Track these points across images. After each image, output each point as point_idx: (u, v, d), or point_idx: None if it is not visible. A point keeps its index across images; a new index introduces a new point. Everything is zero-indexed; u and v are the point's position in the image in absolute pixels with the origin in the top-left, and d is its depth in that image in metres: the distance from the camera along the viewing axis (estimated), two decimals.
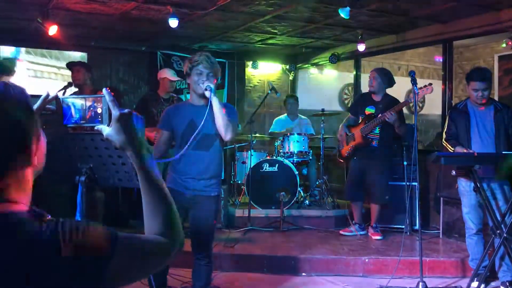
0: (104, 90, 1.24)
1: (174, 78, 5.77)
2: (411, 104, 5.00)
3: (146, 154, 1.22)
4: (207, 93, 3.14)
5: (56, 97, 1.31)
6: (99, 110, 1.27)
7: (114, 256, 1.01)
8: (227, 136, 3.19)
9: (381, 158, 5.44)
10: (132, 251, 1.08)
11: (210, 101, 3.14)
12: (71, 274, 0.96)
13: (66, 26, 5.88)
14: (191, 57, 3.29)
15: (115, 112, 1.21)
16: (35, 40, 6.58)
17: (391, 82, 5.51)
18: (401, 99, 5.68)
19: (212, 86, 3.14)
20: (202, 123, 3.06)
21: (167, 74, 5.77)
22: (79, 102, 1.29)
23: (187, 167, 3.24)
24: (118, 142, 1.22)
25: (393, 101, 5.42)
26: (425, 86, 4.67)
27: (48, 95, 1.31)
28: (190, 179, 3.26)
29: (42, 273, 0.94)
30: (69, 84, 5.44)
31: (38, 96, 1.29)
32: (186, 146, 3.06)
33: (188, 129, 3.21)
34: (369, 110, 5.48)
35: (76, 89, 5.41)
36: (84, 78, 5.34)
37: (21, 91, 1.06)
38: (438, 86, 6.48)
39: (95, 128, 1.26)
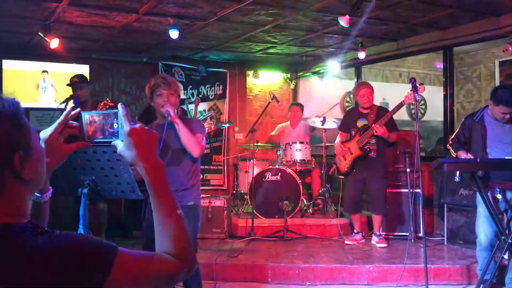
0: (119, 105, 1.22)
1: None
2: (412, 107, 5.00)
3: (156, 170, 1.18)
4: (168, 118, 3.27)
5: (79, 113, 1.30)
6: (115, 125, 1.26)
7: (112, 272, 0.97)
8: (194, 153, 3.34)
9: (379, 168, 5.45)
10: (133, 268, 1.03)
11: (168, 121, 3.27)
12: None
13: (67, 39, 5.93)
14: (149, 82, 3.43)
15: (126, 127, 1.19)
16: (38, 54, 6.62)
17: None
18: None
19: (171, 110, 3.27)
20: (161, 144, 3.17)
21: None
22: (96, 117, 1.29)
23: None
24: (129, 157, 1.18)
25: (382, 109, 5.49)
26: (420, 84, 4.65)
27: (70, 110, 1.30)
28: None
29: (34, 284, 0.92)
30: (71, 97, 5.45)
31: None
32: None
33: (160, 148, 3.29)
34: (361, 123, 5.50)
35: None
36: (86, 94, 5.35)
37: (12, 103, 1.04)
38: (439, 92, 6.50)
39: (112, 143, 1.24)
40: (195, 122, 3.55)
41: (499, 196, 4.01)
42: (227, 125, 7.80)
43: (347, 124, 5.70)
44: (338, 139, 5.75)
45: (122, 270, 0.99)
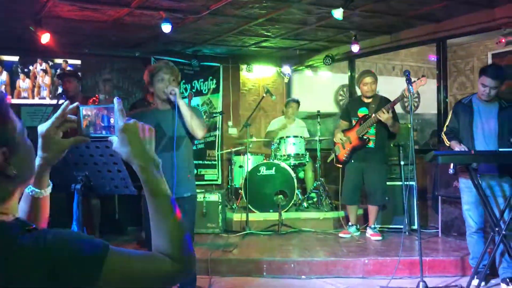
0: (115, 99, 1.19)
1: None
2: (405, 100, 5.01)
3: (151, 168, 1.15)
4: (172, 97, 3.19)
5: (77, 107, 1.27)
6: (111, 120, 1.23)
7: (102, 272, 0.94)
8: (199, 134, 3.29)
9: (378, 159, 5.44)
10: (124, 268, 1.00)
11: (176, 105, 3.20)
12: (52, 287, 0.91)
13: (59, 34, 5.85)
14: (149, 66, 3.36)
15: (120, 123, 1.15)
16: (30, 49, 6.55)
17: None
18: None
19: (177, 89, 3.20)
20: (175, 127, 3.14)
21: None
22: (93, 111, 1.26)
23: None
24: (123, 154, 1.15)
25: (385, 99, 5.48)
26: (418, 79, 4.67)
27: (68, 104, 1.26)
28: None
29: (19, 281, 0.90)
30: (62, 93, 5.42)
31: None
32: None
33: (156, 134, 3.20)
34: (362, 112, 5.50)
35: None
36: (75, 89, 5.30)
37: None
38: (432, 84, 6.49)
39: (109, 139, 1.21)
40: (195, 109, 3.48)
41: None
42: (218, 115, 7.76)
43: (348, 112, 5.70)
44: (338, 127, 5.75)
45: (113, 270, 0.96)
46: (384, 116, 5.15)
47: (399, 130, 5.50)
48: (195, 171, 7.70)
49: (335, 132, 5.81)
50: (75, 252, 0.94)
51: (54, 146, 1.23)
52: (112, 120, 1.21)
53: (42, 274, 0.90)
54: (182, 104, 3.21)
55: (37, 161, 1.22)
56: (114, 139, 1.18)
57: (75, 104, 1.28)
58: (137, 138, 1.15)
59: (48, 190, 1.28)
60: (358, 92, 5.95)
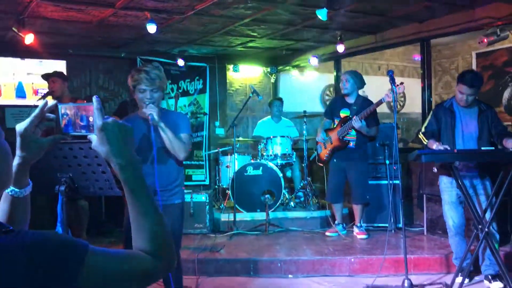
0: (94, 98, 1.18)
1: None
2: (390, 101, 5.06)
3: (130, 166, 1.15)
4: (151, 122, 3.08)
5: (56, 106, 1.25)
6: (90, 119, 1.23)
7: (82, 271, 0.94)
8: (180, 156, 3.22)
9: (359, 158, 5.51)
10: (104, 267, 1.00)
11: (153, 122, 3.08)
12: None
13: (43, 35, 5.81)
14: (132, 73, 3.22)
15: (99, 121, 1.14)
16: (13, 50, 6.49)
17: (362, 83, 5.61)
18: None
19: (154, 112, 3.07)
20: (153, 143, 3.02)
21: None
22: (72, 110, 1.25)
23: (149, 181, 3.19)
24: (102, 153, 1.14)
25: (366, 101, 5.51)
26: (396, 85, 4.71)
27: (46, 103, 1.25)
28: (153, 192, 3.23)
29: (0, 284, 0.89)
30: (48, 93, 5.36)
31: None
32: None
33: (144, 142, 3.16)
34: (344, 113, 5.54)
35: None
36: (61, 89, 5.24)
37: None
38: (417, 84, 6.57)
39: (88, 137, 1.20)
40: (181, 118, 3.38)
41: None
42: (202, 116, 7.76)
43: (331, 111, 5.74)
44: (321, 126, 5.79)
45: (93, 269, 0.96)
46: (357, 124, 5.22)
47: (377, 133, 5.55)
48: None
49: (318, 130, 5.85)
50: (53, 252, 0.93)
51: (33, 145, 1.23)
52: (91, 119, 1.21)
53: (20, 274, 0.90)
54: (160, 128, 3.11)
55: (16, 160, 1.21)
56: (93, 138, 1.17)
57: (54, 102, 1.27)
58: (115, 137, 1.15)
59: (28, 189, 1.27)
60: None
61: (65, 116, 1.24)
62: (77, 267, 0.94)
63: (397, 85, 4.63)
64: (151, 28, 5.40)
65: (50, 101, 1.28)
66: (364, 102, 5.49)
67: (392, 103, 4.38)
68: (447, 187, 4.27)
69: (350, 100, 5.53)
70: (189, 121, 3.46)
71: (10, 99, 6.85)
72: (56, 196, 2.55)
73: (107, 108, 7.30)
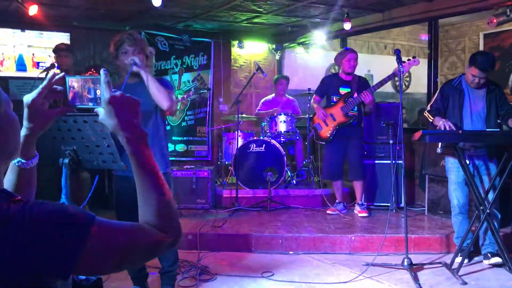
0: (101, 71, 1.18)
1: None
2: (396, 79, 5.06)
3: (138, 140, 1.14)
4: (134, 68, 3.03)
5: (63, 78, 1.25)
6: (98, 92, 1.22)
7: (87, 243, 0.95)
8: (164, 105, 3.10)
9: (358, 135, 5.62)
10: (110, 238, 1.00)
11: (132, 71, 3.03)
12: (36, 257, 0.91)
13: (47, 6, 5.75)
14: (114, 38, 3.18)
15: (106, 95, 1.14)
16: (17, 21, 6.43)
17: None
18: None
19: (137, 59, 3.05)
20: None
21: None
22: (80, 83, 1.25)
23: None
24: (110, 126, 1.14)
25: (364, 80, 5.62)
26: (408, 59, 4.71)
27: (54, 74, 1.25)
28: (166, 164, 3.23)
29: (7, 253, 0.90)
30: (52, 66, 5.33)
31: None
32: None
33: None
34: (344, 90, 5.57)
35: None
36: (70, 64, 5.23)
37: None
38: (424, 64, 6.50)
39: (94, 110, 1.20)
40: (162, 79, 3.32)
41: (467, 162, 4.13)
42: (205, 91, 7.73)
43: (325, 89, 5.72)
44: (317, 103, 5.76)
45: (99, 240, 0.97)
46: (368, 98, 5.31)
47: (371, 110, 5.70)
48: (186, 147, 7.78)
49: (315, 108, 5.77)
50: (61, 222, 0.94)
51: (40, 116, 1.23)
52: (98, 92, 1.21)
53: (27, 243, 0.91)
54: (144, 74, 3.05)
55: (23, 131, 1.21)
56: (100, 111, 1.17)
57: (61, 74, 1.27)
58: (123, 110, 1.15)
59: (35, 161, 1.28)
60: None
61: (72, 89, 1.24)
62: (83, 238, 0.95)
63: (410, 60, 4.64)
64: (157, 1, 5.34)
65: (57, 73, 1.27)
66: (360, 80, 5.58)
67: (397, 81, 4.36)
68: (454, 167, 4.28)
69: (348, 77, 5.57)
70: (170, 83, 3.39)
71: (11, 71, 6.81)
72: (60, 169, 2.56)
73: (110, 80, 7.26)
